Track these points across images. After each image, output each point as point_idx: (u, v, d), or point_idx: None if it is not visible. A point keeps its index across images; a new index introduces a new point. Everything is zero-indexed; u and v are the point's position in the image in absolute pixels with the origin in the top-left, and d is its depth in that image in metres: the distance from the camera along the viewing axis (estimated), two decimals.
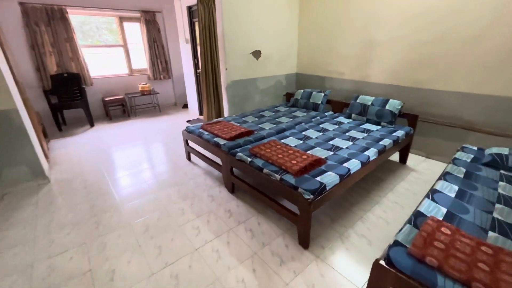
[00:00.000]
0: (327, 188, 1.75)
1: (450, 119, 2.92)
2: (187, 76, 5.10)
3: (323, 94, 3.60)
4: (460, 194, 1.61)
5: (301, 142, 2.53)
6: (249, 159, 2.15)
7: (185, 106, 5.95)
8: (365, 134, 2.68)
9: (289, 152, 2.20)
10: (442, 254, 1.10)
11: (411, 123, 2.91)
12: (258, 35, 3.92)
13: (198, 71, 4.69)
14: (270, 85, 4.45)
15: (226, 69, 3.77)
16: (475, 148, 2.31)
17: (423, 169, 2.88)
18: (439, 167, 2.92)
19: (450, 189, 1.67)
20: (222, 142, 2.53)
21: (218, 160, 2.75)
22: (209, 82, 3.79)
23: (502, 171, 1.90)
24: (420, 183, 2.60)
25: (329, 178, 1.82)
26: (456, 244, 1.16)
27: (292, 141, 2.54)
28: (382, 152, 2.35)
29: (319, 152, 2.26)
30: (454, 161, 2.07)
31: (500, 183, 1.74)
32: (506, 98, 2.51)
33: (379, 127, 2.91)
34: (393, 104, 2.91)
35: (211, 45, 3.66)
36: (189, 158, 3.22)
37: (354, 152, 2.25)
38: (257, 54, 4.03)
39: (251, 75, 4.11)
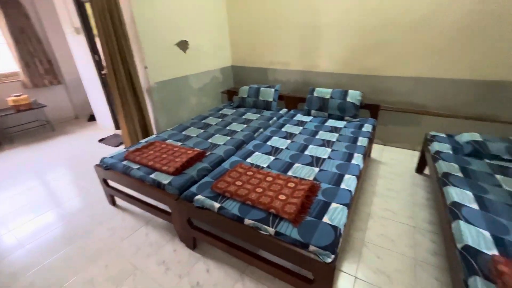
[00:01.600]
0: (341, 232, 1.25)
1: (402, 104, 2.88)
2: (86, 78, 3.74)
3: (273, 90, 3.10)
4: (481, 203, 1.38)
5: (273, 158, 1.96)
6: (217, 205, 1.45)
7: (92, 118, 4.50)
8: (337, 134, 2.32)
9: (268, 181, 1.60)
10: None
11: (373, 114, 2.72)
12: (180, 21, 3.04)
13: (103, 71, 3.46)
14: (206, 82, 3.66)
15: (146, 67, 2.80)
16: (444, 135, 2.25)
17: (389, 160, 2.77)
18: (400, 154, 2.88)
19: (468, 199, 1.42)
20: (164, 179, 1.71)
21: (163, 205, 1.92)
22: (122, 86, 2.73)
23: (486, 160, 1.82)
24: (395, 178, 2.44)
25: (337, 214, 1.33)
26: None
27: (261, 160, 1.94)
28: (365, 155, 2.03)
29: (302, 171, 1.75)
30: (441, 155, 1.90)
31: (498, 176, 1.62)
32: (453, 80, 2.55)
33: (345, 122, 2.62)
34: (354, 95, 2.65)
35: (117, 36, 2.59)
36: (113, 203, 2.22)
37: (340, 163, 1.83)
38: (183, 45, 3.17)
39: (181, 73, 3.23)
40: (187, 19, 3.13)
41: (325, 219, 1.30)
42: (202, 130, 2.56)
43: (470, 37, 2.35)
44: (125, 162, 1.96)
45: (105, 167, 1.99)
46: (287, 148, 2.12)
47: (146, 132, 3.06)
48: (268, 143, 2.21)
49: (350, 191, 1.52)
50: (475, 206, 1.37)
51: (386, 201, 2.12)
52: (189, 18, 3.16)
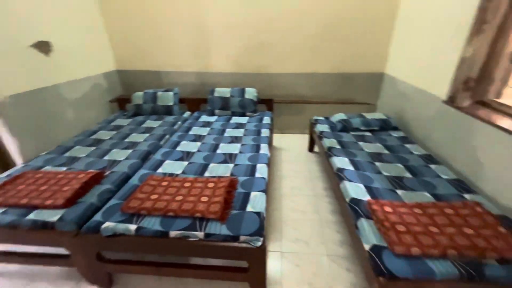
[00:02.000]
0: (264, 216, 1.38)
1: (289, 97, 3.38)
2: None
3: (172, 93, 2.95)
4: (354, 165, 1.83)
5: (186, 163, 1.90)
6: (133, 227, 1.28)
7: None
8: (243, 130, 2.49)
9: (187, 186, 1.55)
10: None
11: (269, 107, 3.06)
12: (35, 17, 2.42)
13: None
14: (85, 91, 3.08)
15: None
16: (323, 118, 2.80)
17: (287, 146, 3.20)
18: (295, 139, 3.38)
19: (346, 164, 1.85)
20: (51, 216, 1.35)
21: (52, 249, 1.51)
22: None
23: (351, 133, 2.41)
24: (295, 160, 2.85)
25: (257, 201, 1.45)
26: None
27: (174, 167, 1.84)
28: (269, 144, 2.28)
29: (219, 170, 1.79)
30: (323, 134, 2.38)
31: (361, 143, 2.18)
32: (321, 74, 3.20)
33: (247, 117, 2.83)
34: (251, 92, 2.90)
35: None
36: None
37: (251, 155, 1.99)
38: (43, 46, 2.53)
39: (47, 81, 2.59)
40: (46, 16, 2.52)
41: (249, 208, 1.39)
42: (93, 148, 2.16)
43: (327, 41, 3.00)
44: None
45: None
46: (198, 150, 2.09)
47: (3, 163, 2.29)
48: (178, 148, 2.12)
49: (264, 178, 1.68)
50: (351, 167, 1.80)
51: (292, 180, 2.46)
52: (49, 15, 2.56)
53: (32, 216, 1.36)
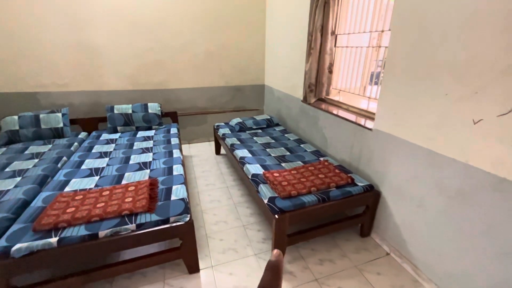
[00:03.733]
0: (187, 200, 1.66)
1: (191, 109, 3.71)
2: None
3: (60, 114, 2.70)
4: (251, 153, 2.37)
5: (98, 177, 1.90)
6: (54, 239, 1.28)
7: None
8: (151, 141, 2.62)
9: (106, 194, 1.62)
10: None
11: (174, 119, 3.28)
12: None
13: None
14: None
15: None
16: (223, 123, 3.28)
17: (196, 153, 3.50)
18: (202, 146, 3.71)
19: (246, 153, 2.36)
20: None
21: None
22: None
23: (247, 132, 2.99)
24: (205, 163, 3.18)
25: (179, 191, 1.71)
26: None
27: (84, 183, 1.82)
28: (180, 150, 2.53)
29: (136, 177, 1.91)
30: (225, 135, 2.84)
31: (255, 138, 2.78)
32: (216, 87, 3.71)
33: (153, 130, 2.95)
34: (154, 107, 3.05)
35: None
36: None
37: (165, 159, 2.19)
38: None
39: None
40: None
41: (173, 197, 1.63)
42: None
43: (216, 59, 3.55)
44: None
45: None
46: (108, 165, 2.10)
47: None
48: (83, 167, 2.05)
49: (181, 174, 1.95)
50: (249, 155, 2.32)
51: (205, 179, 2.78)
52: None
53: None
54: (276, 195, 1.67)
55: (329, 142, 2.44)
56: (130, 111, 2.92)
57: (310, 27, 2.44)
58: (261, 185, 1.82)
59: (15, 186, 1.76)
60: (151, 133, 2.87)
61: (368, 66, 2.17)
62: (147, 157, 2.25)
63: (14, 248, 1.22)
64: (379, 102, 1.77)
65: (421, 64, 1.43)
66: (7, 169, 1.99)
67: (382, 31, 1.88)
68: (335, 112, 2.31)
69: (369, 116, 2.06)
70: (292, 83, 3.03)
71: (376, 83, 2.15)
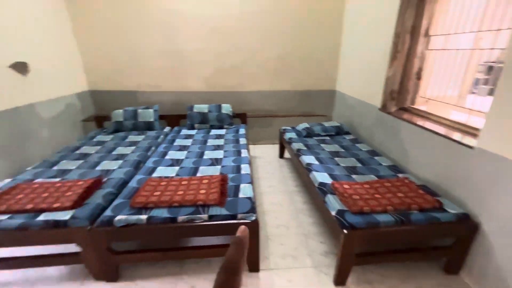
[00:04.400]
0: (253, 200, 1.70)
1: (259, 111, 3.83)
2: None
3: (152, 110, 3.17)
4: (318, 160, 2.28)
5: (178, 168, 2.14)
6: (144, 217, 1.50)
7: None
8: (222, 139, 2.81)
9: (184, 184, 1.81)
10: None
11: (243, 121, 3.45)
12: (13, 40, 2.52)
13: None
14: (60, 110, 3.12)
15: None
16: (290, 127, 3.27)
17: (260, 154, 3.59)
18: (266, 148, 3.79)
19: (313, 160, 2.29)
20: (64, 215, 1.49)
21: (52, 249, 1.60)
22: None
23: (314, 138, 2.91)
24: (268, 165, 3.24)
25: (247, 190, 1.77)
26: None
27: (167, 172, 2.07)
28: (247, 150, 2.63)
29: (208, 171, 2.08)
30: (292, 140, 2.83)
31: (322, 145, 2.67)
32: (284, 91, 3.74)
33: (224, 130, 3.17)
34: (226, 108, 3.27)
35: None
36: None
37: (234, 158, 2.32)
38: (21, 67, 2.61)
39: (24, 100, 2.63)
40: (24, 39, 2.62)
41: (240, 195, 1.71)
42: (81, 161, 2.26)
43: (287, 64, 3.58)
44: None
45: None
46: (186, 157, 2.35)
47: None
48: (166, 157, 2.35)
49: (248, 173, 2.02)
50: (316, 162, 2.24)
51: (268, 181, 2.82)
52: (27, 38, 2.66)
53: (42, 217, 1.47)
54: (346, 209, 1.56)
55: (411, 158, 2.15)
56: (206, 111, 3.21)
57: (397, 29, 2.21)
58: (328, 195, 1.73)
59: (119, 167, 2.14)
60: (222, 131, 3.09)
61: (470, 72, 1.83)
62: (219, 154, 2.42)
63: (116, 219, 1.48)
64: (489, 116, 1.46)
65: None
66: (113, 153, 2.44)
67: (499, 30, 1.55)
68: (420, 123, 2.03)
69: (469, 131, 1.73)
70: (369, 90, 2.80)
71: (473, 92, 1.79)
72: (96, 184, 1.82)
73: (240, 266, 0.65)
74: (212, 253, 1.61)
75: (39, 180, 1.92)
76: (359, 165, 2.21)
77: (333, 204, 1.63)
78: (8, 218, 1.47)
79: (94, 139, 2.80)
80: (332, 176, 1.99)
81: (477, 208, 1.54)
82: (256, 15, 3.33)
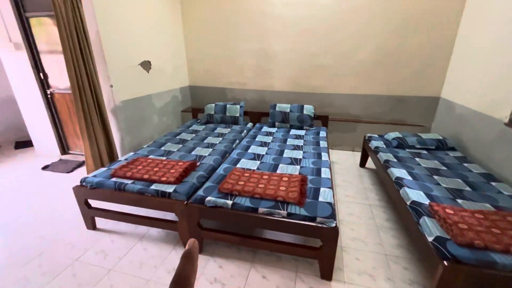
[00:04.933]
0: (334, 206, 1.64)
1: (342, 115, 3.64)
2: (24, 99, 3.29)
3: (239, 106, 3.44)
4: (412, 176, 2.00)
5: (259, 162, 2.26)
6: (229, 202, 1.65)
7: (21, 144, 3.87)
8: (302, 140, 2.80)
9: (265, 178, 1.89)
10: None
11: (324, 123, 3.36)
12: (143, 42, 3.15)
13: (49, 90, 3.14)
14: (167, 101, 3.75)
15: (111, 86, 2.77)
16: (377, 135, 2.98)
17: (338, 160, 3.41)
18: (344, 155, 3.58)
19: (405, 174, 2.03)
20: (168, 188, 1.79)
21: (158, 214, 1.95)
22: (87, 106, 2.61)
23: (407, 150, 2.56)
24: (346, 172, 3.05)
25: (327, 195, 1.72)
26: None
27: (249, 164, 2.21)
28: (328, 154, 2.54)
29: (288, 169, 2.11)
30: (379, 149, 2.57)
31: (417, 159, 2.33)
32: (374, 96, 3.43)
33: (304, 130, 3.15)
34: (309, 109, 3.24)
35: (83, 54, 2.52)
36: (93, 227, 2.07)
37: (314, 160, 2.28)
38: (146, 65, 3.24)
39: (145, 92, 3.27)
40: (149, 41, 3.25)
41: (321, 199, 1.67)
42: (180, 145, 2.66)
43: (381, 66, 3.26)
44: (114, 179, 1.92)
45: (91, 187, 1.90)
46: (266, 153, 2.45)
47: (112, 153, 2.92)
48: (249, 151, 2.51)
49: (329, 178, 1.95)
50: (409, 178, 1.97)
51: (345, 189, 2.66)
52: (152, 40, 3.29)
53: (153, 187, 1.81)
54: (448, 237, 1.32)
55: None
56: (288, 110, 3.26)
57: None
58: (424, 217, 1.50)
59: (209, 154, 2.42)
60: (302, 132, 3.08)
61: None
62: (298, 154, 2.43)
63: (207, 199, 1.68)
64: None
65: None
66: (205, 141, 2.78)
67: None
68: None
69: None
70: (492, 98, 2.27)
71: None
72: (192, 166, 2.10)
73: (190, 280, 0.62)
74: (285, 250, 1.64)
75: (151, 156, 2.36)
76: (467, 189, 1.83)
77: (431, 228, 1.41)
78: (132, 183, 1.87)
79: (190, 128, 3.24)
80: (429, 196, 1.72)
81: None
82: (350, 13, 3.16)
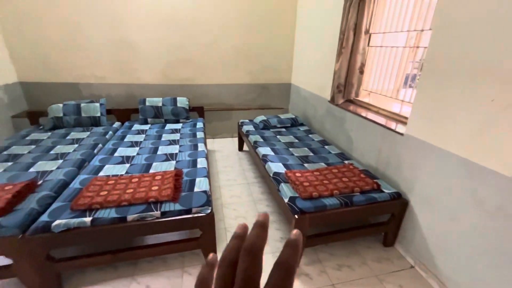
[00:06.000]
0: (209, 193, 1.70)
1: (216, 105, 3.79)
2: None
3: (98, 104, 2.90)
4: (274, 151, 2.36)
5: (128, 165, 2.02)
6: (88, 219, 1.39)
7: None
8: (178, 134, 2.72)
9: (135, 181, 1.72)
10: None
11: (200, 114, 3.38)
12: None
13: None
14: None
15: None
16: (248, 120, 3.30)
17: (219, 148, 3.57)
18: (225, 142, 3.78)
19: (268, 151, 2.36)
20: None
21: None
22: None
23: (271, 130, 2.98)
24: (227, 158, 3.24)
25: (202, 184, 1.76)
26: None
27: (116, 170, 1.94)
28: (205, 144, 2.60)
29: (162, 167, 2.00)
30: (249, 132, 2.86)
31: (278, 136, 2.77)
32: (243, 84, 3.75)
33: (181, 124, 3.06)
34: (182, 101, 3.16)
35: None
36: None
37: (190, 152, 2.26)
38: None
39: None
40: None
41: (196, 189, 1.69)
42: (10, 163, 1.98)
43: (243, 57, 3.58)
44: None
45: None
46: (138, 154, 2.22)
47: None
48: (116, 154, 2.19)
49: (205, 167, 2.00)
50: (272, 153, 2.32)
51: (227, 174, 2.83)
52: None
53: None
54: (297, 195, 1.66)
55: (355, 145, 2.36)
56: (160, 104, 3.06)
57: (342, 26, 2.37)
58: (282, 184, 1.81)
59: (57, 168, 1.93)
60: (178, 126, 2.98)
61: (403, 68, 2.06)
62: (174, 149, 2.34)
63: (54, 224, 1.34)
64: (414, 106, 1.67)
65: (464, 66, 1.32)
66: (51, 152, 2.19)
67: (422, 30, 1.76)
68: (363, 114, 2.23)
69: (401, 120, 1.96)
70: (320, 83, 2.96)
71: (411, 86, 2.03)
72: (29, 187, 1.62)
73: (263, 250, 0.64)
74: (167, 250, 1.58)
75: None
76: (311, 154, 2.35)
77: (286, 192, 1.72)
78: None
79: (27, 138, 2.47)
80: (286, 165, 2.08)
81: (407, 187, 1.76)
82: (211, 6, 3.24)
